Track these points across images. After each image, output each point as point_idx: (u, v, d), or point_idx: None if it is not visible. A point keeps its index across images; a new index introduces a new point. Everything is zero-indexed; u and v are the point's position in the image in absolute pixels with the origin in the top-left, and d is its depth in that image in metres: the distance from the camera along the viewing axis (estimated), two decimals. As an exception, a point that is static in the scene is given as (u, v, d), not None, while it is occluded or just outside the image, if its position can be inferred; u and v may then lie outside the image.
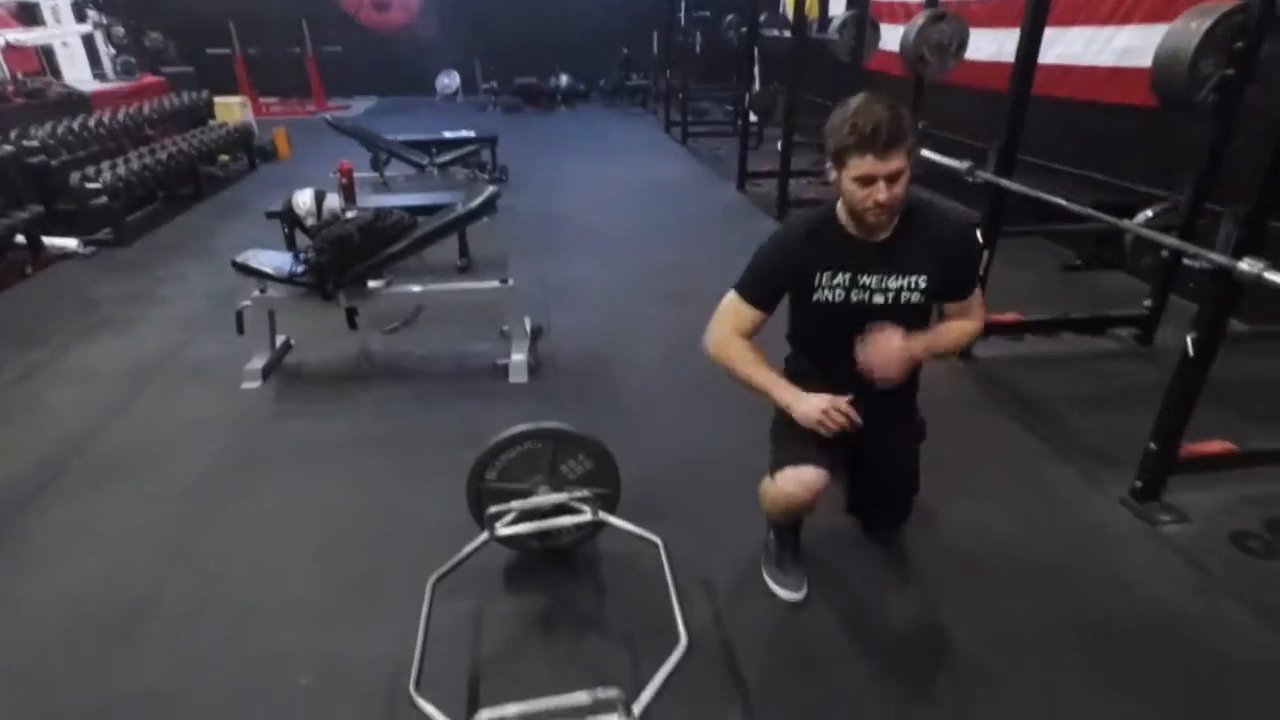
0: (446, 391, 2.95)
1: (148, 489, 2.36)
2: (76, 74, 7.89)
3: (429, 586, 1.70)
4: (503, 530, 1.82)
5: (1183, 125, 3.57)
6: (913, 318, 1.73)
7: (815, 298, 1.70)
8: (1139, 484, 2.20)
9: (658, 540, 1.75)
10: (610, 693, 1.28)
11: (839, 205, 1.69)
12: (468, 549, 1.79)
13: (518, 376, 3.02)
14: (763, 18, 7.64)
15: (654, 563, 1.74)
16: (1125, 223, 2.25)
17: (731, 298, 1.76)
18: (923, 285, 1.68)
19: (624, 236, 5.12)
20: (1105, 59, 4.25)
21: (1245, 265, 1.77)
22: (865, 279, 1.68)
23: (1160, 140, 3.96)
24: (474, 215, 2.97)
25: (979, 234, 2.90)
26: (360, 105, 11.95)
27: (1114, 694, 1.64)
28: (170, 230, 5.28)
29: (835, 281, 1.69)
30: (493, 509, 1.82)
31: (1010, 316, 3.15)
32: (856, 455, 1.93)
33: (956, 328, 1.82)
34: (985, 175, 2.76)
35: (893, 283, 1.68)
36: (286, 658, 1.73)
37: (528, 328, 3.23)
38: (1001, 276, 4.15)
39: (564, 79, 12.02)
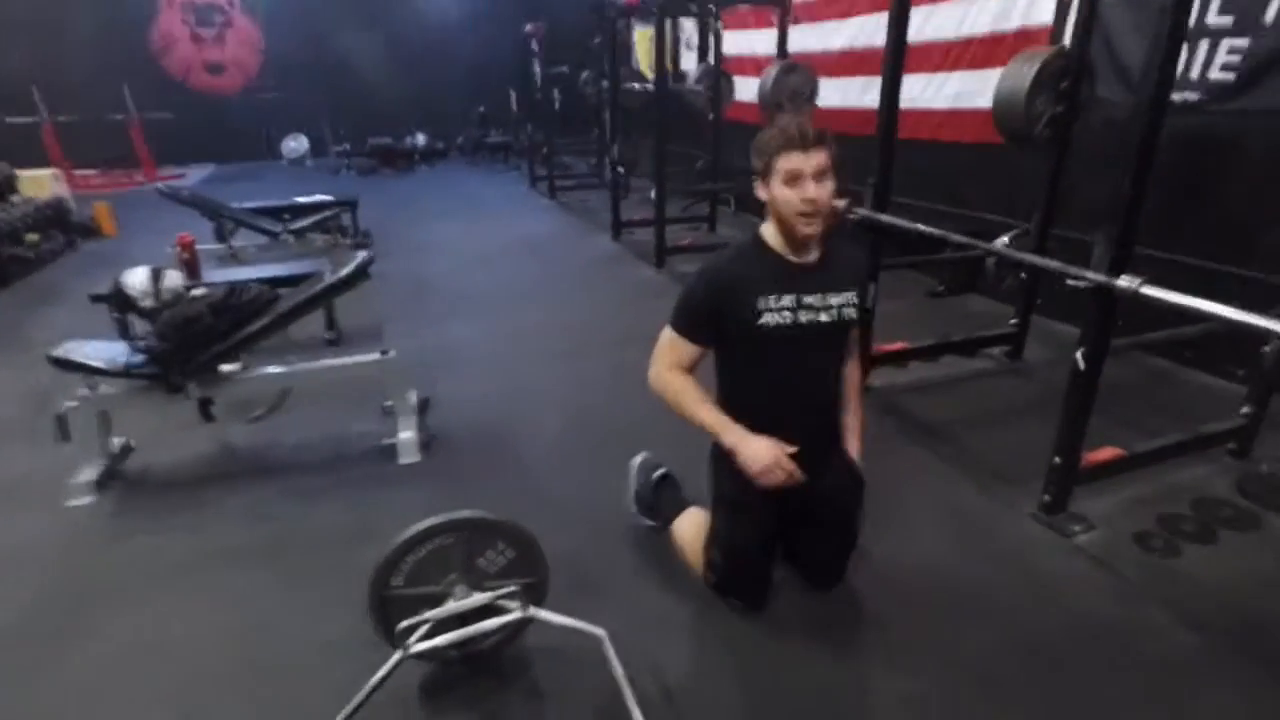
0: (327, 483, 2.61)
1: (-55, 652, 1.87)
2: None
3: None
4: (418, 646, 1.57)
5: (1013, 159, 3.94)
6: (845, 336, 1.89)
7: (762, 323, 1.73)
8: (1047, 497, 2.27)
9: (601, 633, 1.57)
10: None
11: (763, 230, 1.79)
12: (378, 676, 1.52)
13: (408, 456, 2.74)
14: (587, 74, 7.83)
15: (595, 653, 1.56)
16: (998, 248, 2.37)
17: (668, 334, 1.83)
18: (855, 301, 1.81)
19: (504, 295, 4.94)
20: (940, 103, 4.63)
21: (1123, 281, 1.88)
22: (809, 299, 1.76)
23: (996, 173, 4.34)
24: (347, 283, 2.71)
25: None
26: (197, 174, 11.04)
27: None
28: (-36, 325, 4.51)
29: (781, 304, 1.74)
30: (404, 623, 1.57)
31: (899, 345, 3.26)
32: (796, 497, 1.85)
33: (854, 389, 2.00)
34: (863, 212, 2.85)
35: (834, 299, 1.77)
36: None
37: (413, 401, 2.96)
38: (879, 307, 4.38)
39: (420, 138, 11.74)
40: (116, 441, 2.78)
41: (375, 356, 2.83)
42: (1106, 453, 2.33)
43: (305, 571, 2.14)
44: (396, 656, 1.54)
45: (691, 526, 2.03)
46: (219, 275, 4.08)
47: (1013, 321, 3.49)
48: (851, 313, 1.80)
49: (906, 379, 3.36)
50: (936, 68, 4.62)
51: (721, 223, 6.69)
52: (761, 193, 1.71)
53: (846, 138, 4.28)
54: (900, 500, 2.44)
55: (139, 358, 2.52)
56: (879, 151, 2.80)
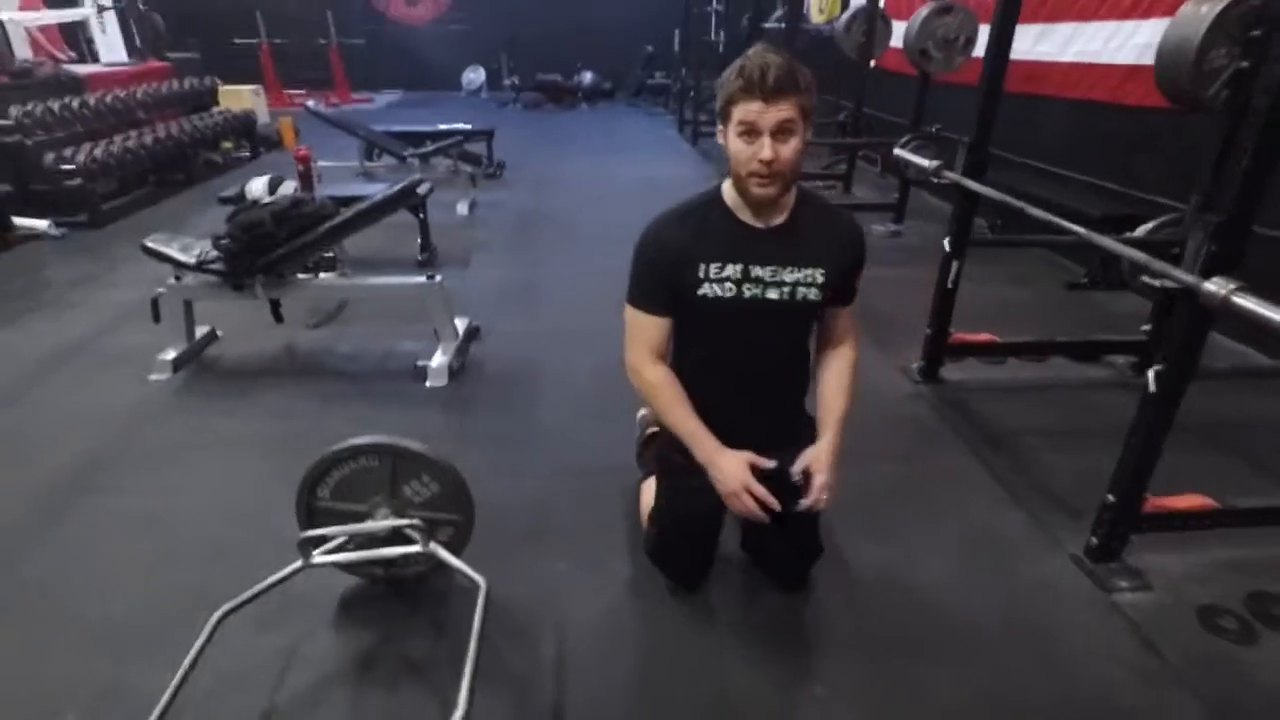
0: (353, 392, 2.74)
1: (1, 482, 2.20)
2: (113, 56, 8.03)
3: (213, 620, 1.48)
4: (320, 558, 1.59)
5: (1208, 129, 3.18)
6: (806, 320, 1.60)
7: (701, 293, 1.49)
8: (1094, 541, 1.87)
9: (480, 581, 1.51)
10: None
11: (725, 185, 1.51)
12: (271, 579, 1.56)
13: (436, 380, 2.80)
14: (778, 13, 7.33)
15: (517, 601, 1.53)
16: (1088, 233, 1.92)
17: (628, 311, 1.58)
18: (820, 280, 1.50)
19: (604, 238, 4.86)
20: (1125, 56, 3.85)
21: (1212, 286, 1.45)
22: (758, 270, 1.48)
23: (1181, 145, 3.55)
24: (390, 203, 2.77)
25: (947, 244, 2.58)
26: (385, 99, 11.97)
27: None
28: (150, 215, 5.22)
29: (724, 274, 1.48)
30: (309, 533, 1.60)
31: (983, 336, 2.81)
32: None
33: (843, 380, 1.65)
34: (952, 176, 2.44)
35: (789, 275, 1.49)
36: (65, 690, 1.53)
37: (459, 328, 3.01)
38: (996, 294, 3.83)
39: (588, 76, 11.83)
40: (204, 329, 3.10)
41: (421, 280, 2.89)
42: (1188, 500, 1.86)
43: (297, 468, 2.25)
44: (297, 564, 1.58)
45: (652, 489, 1.90)
46: (339, 189, 4.38)
47: (1145, 327, 2.88)
48: (811, 294, 1.50)
49: (993, 376, 2.91)
50: (1127, 14, 3.82)
51: (862, 183, 6.14)
52: (720, 139, 1.44)
53: (1018, 97, 3.69)
54: (924, 511, 2.13)
55: (211, 254, 2.76)
56: (979, 107, 2.35)
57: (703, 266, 1.48)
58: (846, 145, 5.86)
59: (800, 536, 1.73)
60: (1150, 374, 1.65)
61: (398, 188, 2.80)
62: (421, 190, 3.13)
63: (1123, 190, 3.91)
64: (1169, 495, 1.89)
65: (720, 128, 1.43)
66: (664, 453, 1.75)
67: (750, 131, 1.35)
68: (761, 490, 1.49)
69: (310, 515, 1.71)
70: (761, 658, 1.63)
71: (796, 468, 1.54)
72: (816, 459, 1.54)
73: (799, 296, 1.51)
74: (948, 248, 2.54)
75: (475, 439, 2.45)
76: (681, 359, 1.64)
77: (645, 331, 1.56)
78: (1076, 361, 2.99)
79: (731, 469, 1.50)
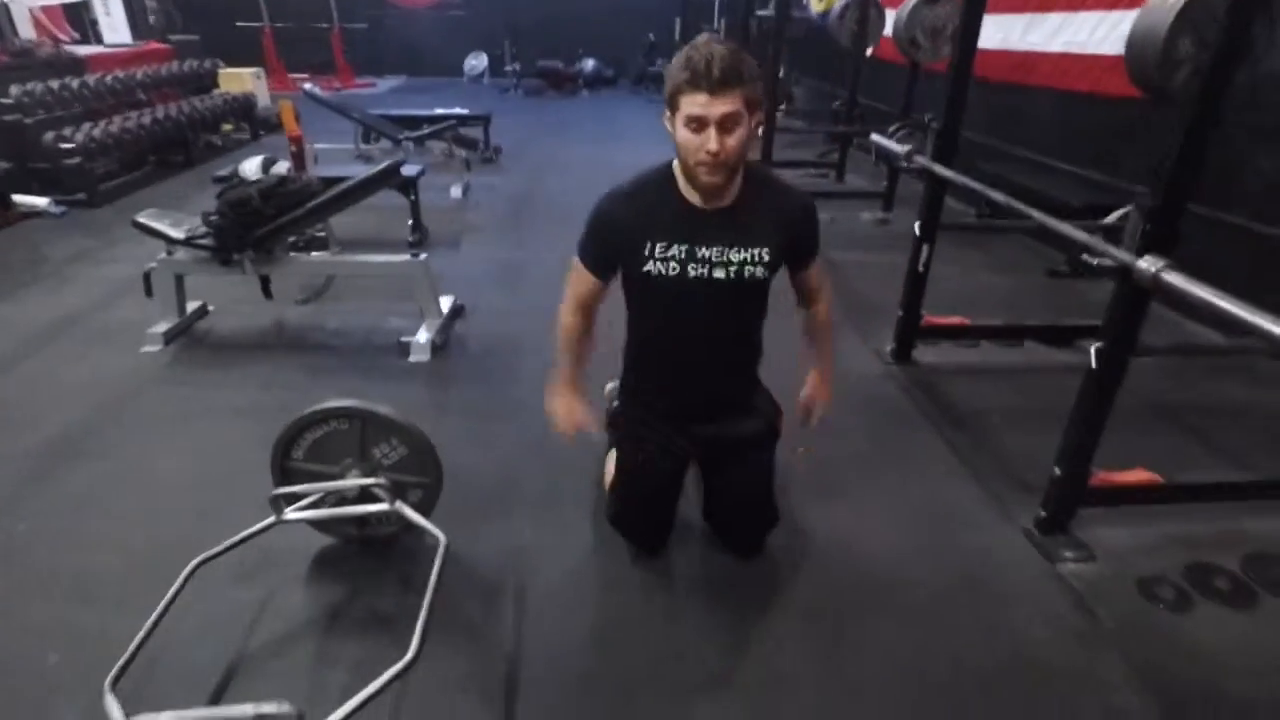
0: (339, 366, 2.82)
1: (-2, 447, 2.29)
2: (117, 38, 8.09)
3: (188, 569, 1.56)
4: (292, 515, 1.67)
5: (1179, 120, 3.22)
6: (755, 296, 1.64)
7: (647, 270, 1.55)
8: (1043, 513, 1.94)
9: (440, 536, 1.58)
10: (277, 708, 1.12)
11: (675, 165, 1.54)
12: (245, 532, 1.65)
13: (418, 355, 2.87)
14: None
15: (481, 561, 1.68)
16: (1042, 217, 1.97)
17: (574, 260, 1.66)
18: (766, 258, 1.55)
19: (596, 220, 4.94)
20: (1109, 47, 3.88)
21: (1144, 264, 1.50)
22: (704, 250, 1.53)
23: (1160, 136, 3.58)
24: (373, 183, 2.83)
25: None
26: (387, 84, 11.99)
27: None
28: (148, 194, 5.29)
29: (670, 253, 1.54)
30: (280, 490, 1.68)
31: (954, 320, 2.87)
32: (708, 454, 1.80)
33: (822, 323, 1.81)
34: (921, 161, 2.49)
35: (735, 255, 1.54)
36: (49, 633, 1.61)
37: (444, 306, 3.08)
38: (978, 280, 3.89)
39: (589, 64, 11.84)
40: (195, 304, 3.17)
41: (405, 258, 2.96)
42: (1135, 475, 1.93)
43: (276, 435, 2.34)
44: (270, 519, 1.66)
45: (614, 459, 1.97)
46: (332, 170, 4.44)
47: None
48: (759, 272, 1.55)
49: (965, 359, 2.97)
50: (1111, 4, 3.85)
51: (857, 172, 6.16)
52: (667, 126, 1.45)
53: (1013, 87, 3.66)
54: (882, 484, 2.20)
55: (201, 229, 2.83)
56: (947, 93, 2.40)
57: (649, 245, 1.53)
58: (839, 134, 5.89)
59: (755, 504, 1.81)
60: (1092, 350, 1.71)
61: (379, 167, 2.86)
62: (408, 171, 3.19)
63: (1108, 180, 3.95)
64: (1120, 470, 1.96)
65: (667, 115, 1.44)
66: (617, 417, 1.83)
67: (697, 123, 1.36)
68: (574, 420, 1.73)
69: (285, 475, 1.79)
70: (716, 618, 1.71)
71: (803, 400, 1.83)
72: (815, 389, 1.83)
73: (746, 275, 1.55)
74: (917, 231, 2.60)
75: (453, 410, 2.53)
76: (636, 329, 1.72)
77: (580, 285, 1.66)
78: (1049, 346, 3.05)
79: (559, 407, 1.74)
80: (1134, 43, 2.50)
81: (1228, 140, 3.04)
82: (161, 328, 2.97)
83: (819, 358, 1.84)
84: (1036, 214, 1.95)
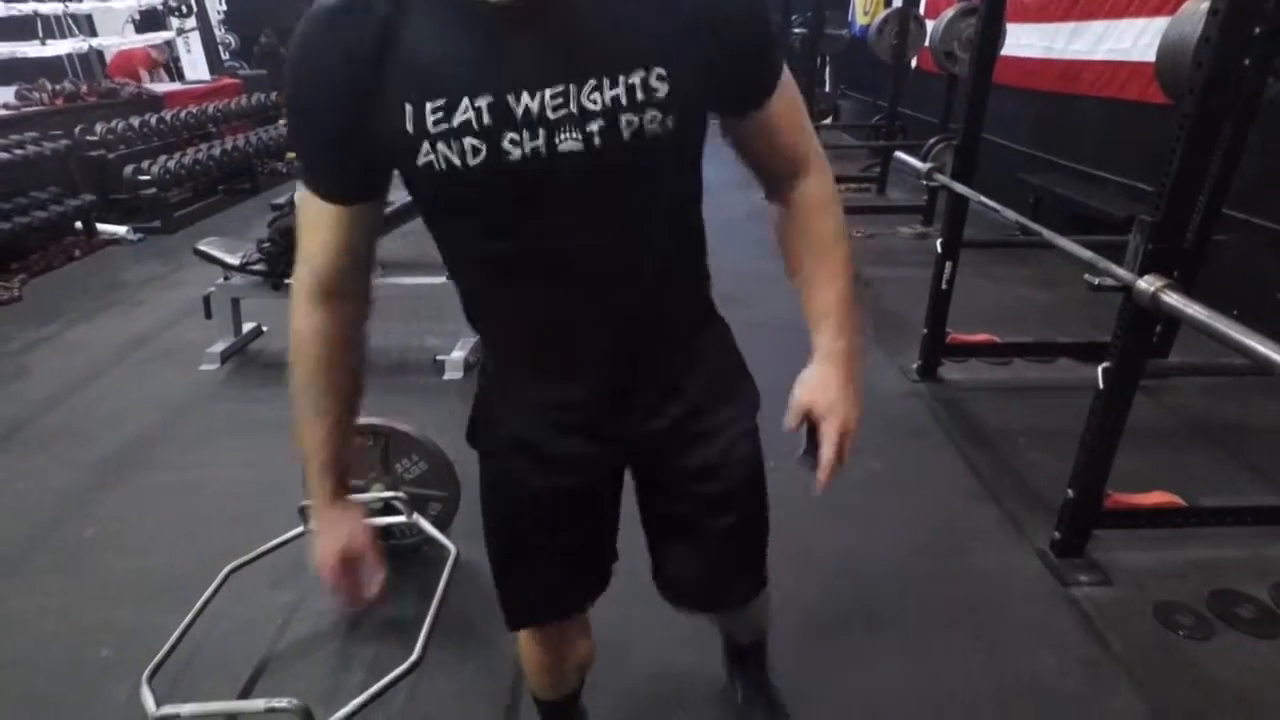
0: (376, 383, 2.87)
1: (70, 455, 2.51)
2: (197, 74, 8.71)
3: (221, 575, 1.70)
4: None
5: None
6: (664, 171, 0.81)
7: (425, 162, 0.74)
8: (1058, 535, 1.91)
9: (451, 547, 1.68)
10: (285, 703, 1.22)
11: None
12: (275, 540, 1.78)
13: (453, 373, 3.01)
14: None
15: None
16: (1050, 235, 1.95)
17: (301, 195, 0.84)
18: (662, 89, 0.73)
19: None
20: (1154, 53, 3.76)
21: (1143, 283, 1.49)
22: (527, 100, 0.72)
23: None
24: (412, 208, 2.97)
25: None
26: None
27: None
28: (217, 220, 5.65)
29: (455, 121, 0.72)
30: (304, 502, 1.80)
31: (980, 337, 2.84)
32: (641, 480, 1.05)
33: (822, 236, 0.91)
34: (941, 179, 2.49)
35: (594, 97, 0.72)
36: (104, 629, 1.77)
37: (478, 325, 3.21)
38: (1017, 294, 3.81)
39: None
40: (250, 325, 3.39)
41: (442, 280, 3.10)
42: (1153, 497, 1.88)
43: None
44: (299, 529, 1.79)
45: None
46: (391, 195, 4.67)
47: (1158, 327, 2.84)
48: (651, 121, 0.74)
49: (994, 377, 2.93)
50: (1156, 10, 3.74)
51: (899, 186, 6.10)
52: None
53: (1052, 96, 3.57)
54: (896, 502, 2.20)
55: (254, 255, 3.04)
56: (966, 109, 2.40)
57: (410, 111, 0.72)
58: (879, 148, 5.85)
59: (718, 540, 1.03)
60: (1100, 371, 1.69)
61: (418, 194, 3.01)
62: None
63: (1151, 189, 3.82)
64: (1138, 493, 1.91)
65: None
66: (474, 426, 1.04)
67: None
68: (349, 579, 0.95)
69: (315, 488, 1.92)
70: (714, 636, 1.74)
71: (791, 415, 0.91)
72: (818, 387, 0.90)
73: (631, 132, 0.74)
74: (939, 249, 2.59)
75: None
76: (460, 273, 0.91)
77: (314, 231, 0.83)
78: (1083, 363, 2.97)
79: (326, 544, 0.94)
80: (1164, 52, 2.44)
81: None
82: (219, 347, 3.19)
83: (823, 318, 0.92)
84: (1045, 232, 1.94)
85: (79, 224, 4.86)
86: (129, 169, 5.03)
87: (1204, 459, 2.37)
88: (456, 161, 0.74)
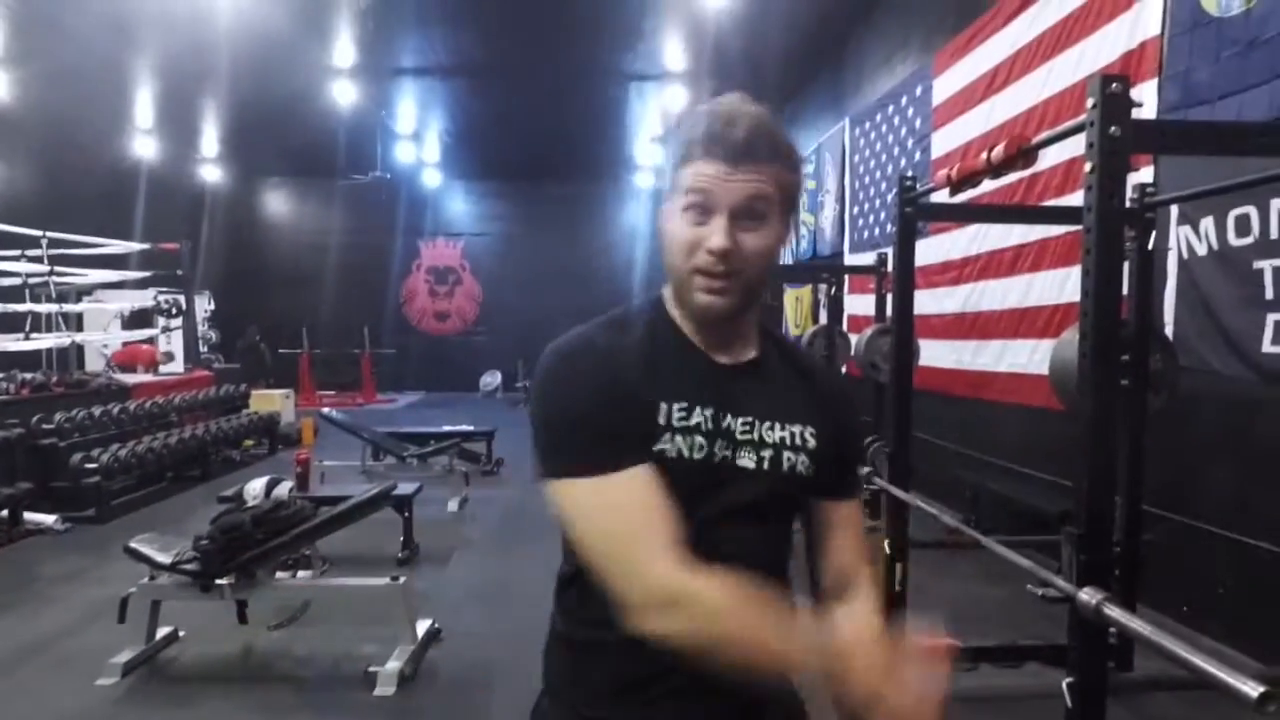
0: (297, 703, 2.67)
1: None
2: (174, 367, 9.05)
3: None
4: None
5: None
6: (788, 511, 0.99)
7: (661, 449, 0.88)
8: None
9: None
10: None
11: (667, 292, 0.98)
12: None
13: (384, 688, 2.73)
14: None
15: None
16: (987, 541, 2.04)
17: (574, 491, 0.87)
18: (811, 444, 0.95)
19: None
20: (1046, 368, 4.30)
21: (1084, 595, 1.53)
22: (729, 421, 0.92)
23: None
24: (363, 508, 2.98)
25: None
26: (406, 399, 13.01)
27: None
28: (157, 510, 5.47)
29: (693, 421, 0.90)
30: None
31: (944, 641, 2.75)
32: None
33: (868, 614, 0.97)
34: (880, 483, 2.64)
35: (772, 433, 0.93)
36: None
37: (419, 630, 3.01)
38: (968, 593, 3.80)
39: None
40: (166, 630, 3.11)
41: (384, 582, 2.98)
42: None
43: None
44: None
45: None
46: (330, 487, 4.66)
47: (1113, 629, 2.82)
48: (800, 464, 0.93)
49: (963, 685, 2.78)
50: (1041, 333, 4.36)
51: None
52: (661, 226, 0.95)
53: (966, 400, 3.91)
54: None
55: (188, 553, 2.90)
56: (893, 420, 2.63)
57: (664, 407, 0.89)
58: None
59: None
60: (1064, 686, 1.64)
61: (369, 494, 3.04)
62: (403, 489, 3.37)
63: (1076, 500, 4.07)
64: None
65: (664, 207, 0.93)
66: None
67: (701, 208, 0.87)
68: None
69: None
70: None
71: None
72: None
73: (785, 466, 0.93)
74: (887, 549, 2.64)
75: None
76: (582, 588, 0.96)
77: (635, 509, 0.86)
78: (1050, 666, 2.87)
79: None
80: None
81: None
82: (124, 657, 2.88)
83: (870, 638, 0.93)
84: (984, 539, 2.02)
85: (4, 512, 4.64)
86: (77, 456, 4.98)
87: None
88: (684, 452, 0.90)
